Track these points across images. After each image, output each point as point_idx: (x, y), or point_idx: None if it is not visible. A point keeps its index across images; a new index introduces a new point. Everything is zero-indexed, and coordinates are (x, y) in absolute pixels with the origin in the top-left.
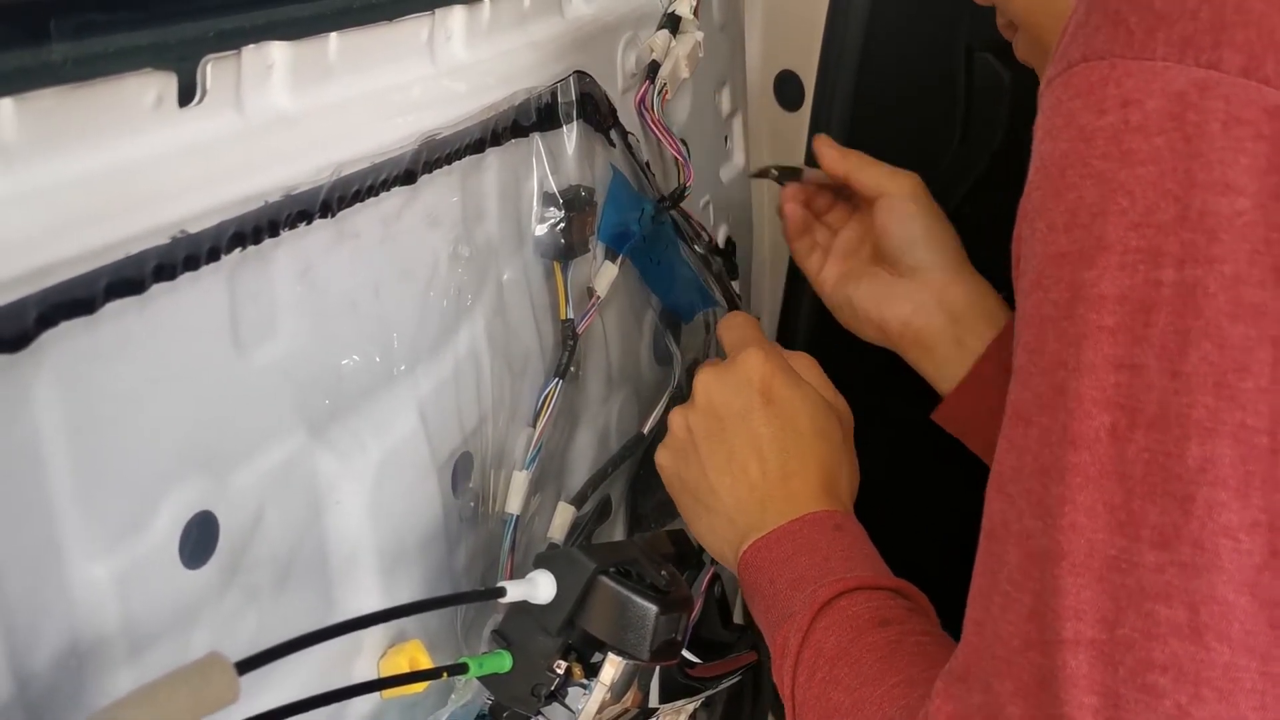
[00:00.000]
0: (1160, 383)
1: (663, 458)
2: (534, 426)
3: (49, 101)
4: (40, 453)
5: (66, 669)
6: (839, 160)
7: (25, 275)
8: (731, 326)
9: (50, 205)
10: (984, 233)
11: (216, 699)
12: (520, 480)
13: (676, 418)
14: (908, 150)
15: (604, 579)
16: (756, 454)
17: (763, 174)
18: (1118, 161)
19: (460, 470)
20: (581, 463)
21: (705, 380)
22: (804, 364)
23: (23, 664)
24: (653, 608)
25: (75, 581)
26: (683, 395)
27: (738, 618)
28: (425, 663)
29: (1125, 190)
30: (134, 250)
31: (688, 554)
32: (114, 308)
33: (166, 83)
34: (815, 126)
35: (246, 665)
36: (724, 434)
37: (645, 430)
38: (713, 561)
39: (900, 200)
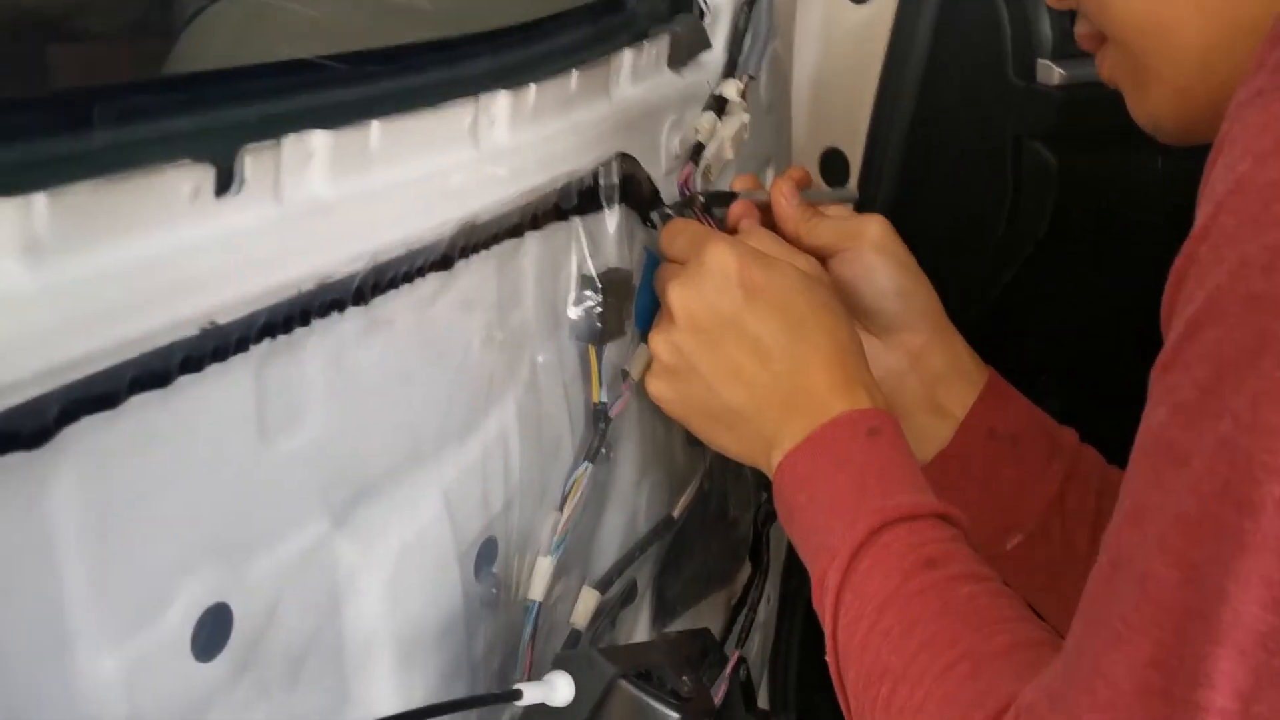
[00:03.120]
0: None
1: (657, 388)
2: (561, 511)
3: (83, 195)
4: (53, 546)
5: None
6: (790, 218)
7: (49, 371)
8: (679, 232)
9: (78, 299)
10: (1029, 317)
11: None
12: (545, 566)
13: (659, 343)
14: (953, 232)
15: (624, 683)
16: (760, 355)
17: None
18: None
19: (483, 555)
20: (609, 546)
21: (678, 293)
22: (762, 239)
23: None
24: (674, 715)
25: (82, 674)
26: (713, 479)
27: (763, 702)
28: None
29: None
30: (161, 343)
31: (712, 651)
32: (138, 401)
33: (204, 174)
34: (859, 205)
35: None
36: (719, 343)
37: (675, 514)
38: (739, 644)
39: (865, 253)
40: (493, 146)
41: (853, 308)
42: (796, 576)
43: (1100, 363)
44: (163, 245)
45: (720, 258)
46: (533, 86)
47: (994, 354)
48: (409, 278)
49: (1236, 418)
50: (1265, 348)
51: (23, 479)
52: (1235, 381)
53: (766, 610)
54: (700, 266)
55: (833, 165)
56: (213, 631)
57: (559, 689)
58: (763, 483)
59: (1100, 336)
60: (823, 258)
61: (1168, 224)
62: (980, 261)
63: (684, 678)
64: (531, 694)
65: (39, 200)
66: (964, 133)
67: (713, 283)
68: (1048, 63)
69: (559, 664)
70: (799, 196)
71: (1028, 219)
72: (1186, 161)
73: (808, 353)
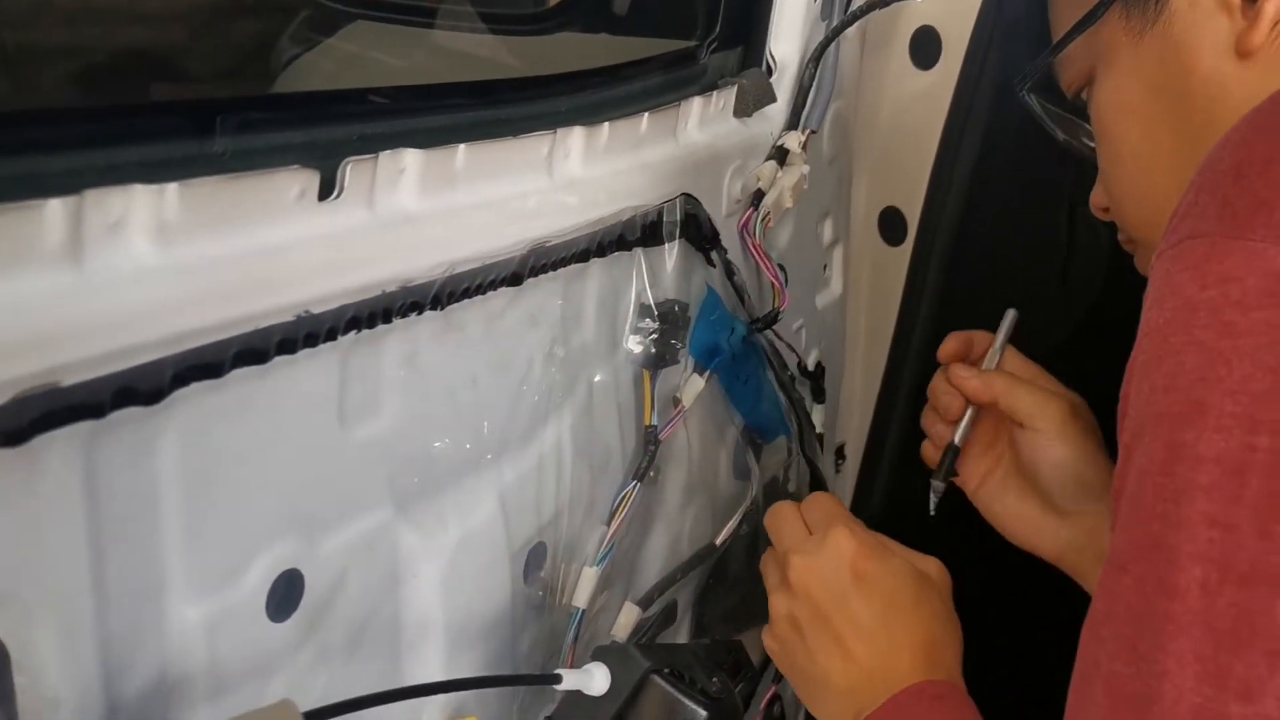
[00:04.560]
0: (1252, 542)
1: (772, 643)
2: (608, 525)
3: (207, 189)
4: (157, 498)
5: (154, 700)
6: (984, 389)
7: (168, 338)
8: (815, 506)
9: (197, 278)
10: (1075, 383)
11: None
12: (590, 576)
13: (779, 603)
14: (1005, 294)
15: (656, 678)
16: (860, 634)
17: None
18: (1218, 332)
19: (533, 559)
20: (652, 565)
21: (798, 566)
22: (883, 537)
23: (115, 690)
24: (701, 712)
25: (171, 620)
26: (758, 511)
27: None
28: None
29: (1224, 359)
30: (263, 325)
31: (745, 665)
32: (239, 374)
33: (310, 179)
34: (916, 262)
35: (315, 715)
36: (826, 619)
37: (718, 542)
38: (776, 680)
39: (1049, 439)
40: (566, 177)
41: (1036, 482)
42: None
43: None
44: (270, 239)
45: (839, 540)
46: (606, 125)
47: None
48: (482, 289)
49: (1162, 517)
50: (1177, 456)
51: (137, 433)
52: (1156, 488)
53: None
54: (822, 543)
55: (891, 223)
56: (286, 594)
57: (596, 678)
58: None
59: None
60: (1017, 422)
61: None
62: (1030, 325)
63: (714, 679)
64: (570, 680)
65: (171, 190)
66: (1019, 198)
67: (828, 562)
68: None
69: (598, 655)
70: (982, 375)
71: (1079, 285)
72: None
73: (901, 639)
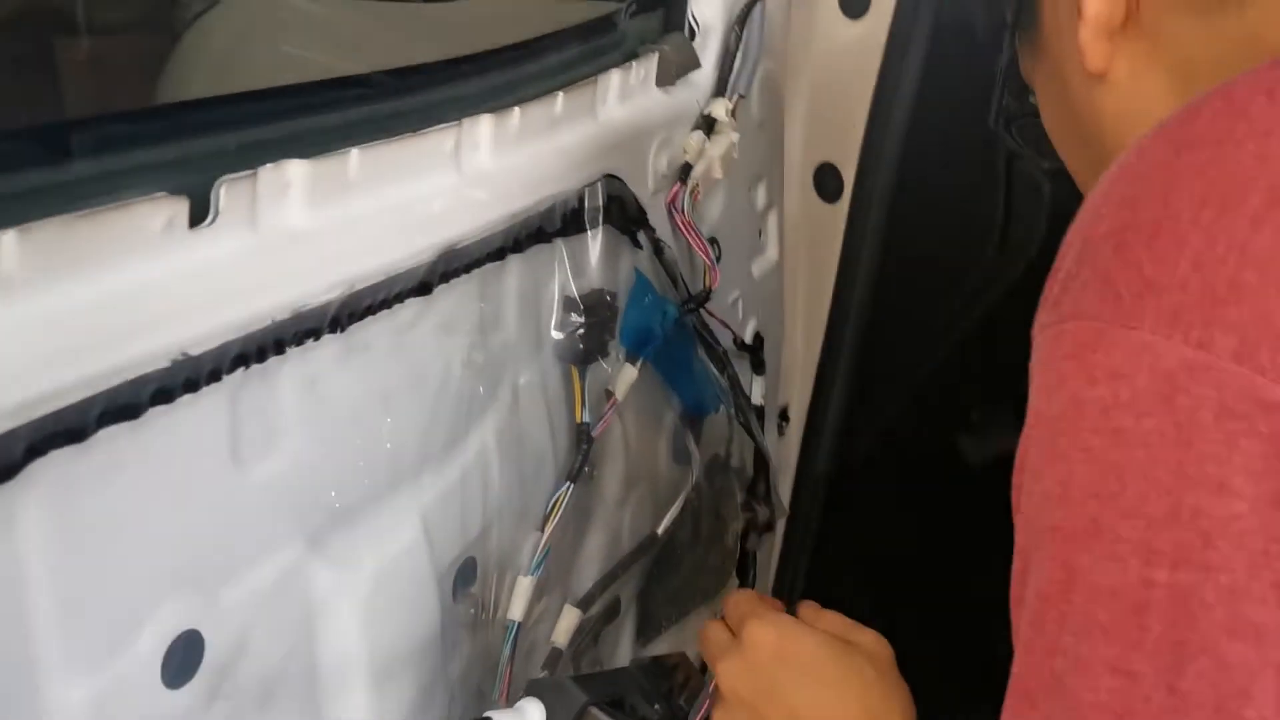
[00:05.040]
0: (1158, 697)
1: None
2: (542, 531)
3: (53, 230)
4: (21, 577)
5: None
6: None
7: (18, 406)
8: (731, 608)
9: (49, 334)
10: (1015, 340)
11: None
12: (525, 586)
13: (718, 717)
14: (944, 251)
15: (595, 710)
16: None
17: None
18: (1109, 439)
19: (461, 576)
20: (591, 564)
21: (724, 673)
22: (811, 612)
23: None
24: None
25: (50, 705)
26: (700, 496)
27: None
28: None
29: (1116, 473)
30: (131, 376)
31: (690, 677)
32: (106, 434)
33: (178, 206)
34: (853, 218)
35: None
36: (762, 715)
37: (659, 531)
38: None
39: None
40: (476, 171)
41: None
42: (784, 592)
43: None
44: (135, 279)
45: (755, 633)
46: (517, 110)
47: (985, 373)
48: (387, 304)
49: (1063, 652)
50: (1074, 582)
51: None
52: (1057, 617)
53: None
54: (741, 643)
55: (826, 179)
56: (184, 658)
57: (530, 716)
58: (749, 498)
59: None
60: None
61: None
62: (971, 282)
63: (655, 706)
64: None
65: (8, 238)
66: (957, 151)
67: (749, 659)
68: None
69: (531, 690)
70: None
71: (1019, 240)
72: None
73: (837, 715)
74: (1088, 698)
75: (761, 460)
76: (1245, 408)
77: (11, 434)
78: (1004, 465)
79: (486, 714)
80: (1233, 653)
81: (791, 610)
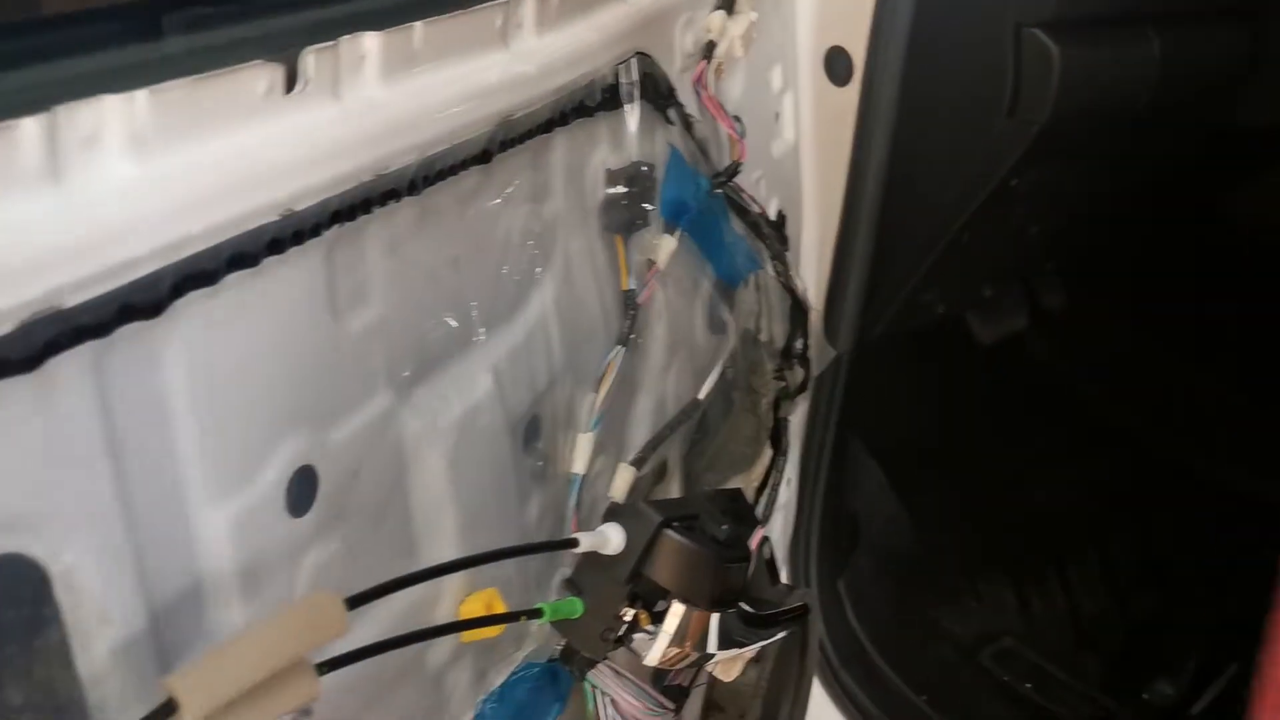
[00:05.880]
0: None
1: None
2: (597, 391)
3: (178, 92)
4: (168, 406)
5: (191, 604)
6: None
7: (158, 250)
8: None
9: (179, 187)
10: (1032, 210)
11: (328, 631)
12: (585, 442)
13: None
14: (955, 123)
15: (669, 531)
16: None
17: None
18: None
19: (530, 431)
20: (640, 427)
21: None
22: None
23: (154, 599)
24: (714, 558)
25: (197, 525)
26: (735, 364)
27: (785, 578)
28: (501, 608)
29: None
30: (250, 227)
31: (744, 512)
32: (233, 279)
33: (275, 73)
34: (865, 101)
35: (355, 601)
36: None
37: (700, 396)
38: (763, 522)
39: None
40: (522, 48)
41: None
42: (814, 460)
43: (1102, 256)
44: (244, 139)
45: None
46: None
47: (997, 248)
48: (454, 170)
49: None
50: None
51: (142, 346)
52: None
53: (787, 492)
54: None
55: (837, 63)
56: (302, 490)
57: (611, 538)
58: (783, 361)
59: (1101, 228)
60: None
61: (1167, 113)
62: (983, 151)
63: (723, 526)
64: (586, 542)
65: (140, 96)
66: (965, 23)
67: None
68: None
69: (609, 515)
70: None
71: (1029, 107)
72: (1183, 48)
73: None
74: None
75: (799, 315)
76: None
77: (158, 274)
78: (1013, 343)
79: (573, 535)
80: None
81: None
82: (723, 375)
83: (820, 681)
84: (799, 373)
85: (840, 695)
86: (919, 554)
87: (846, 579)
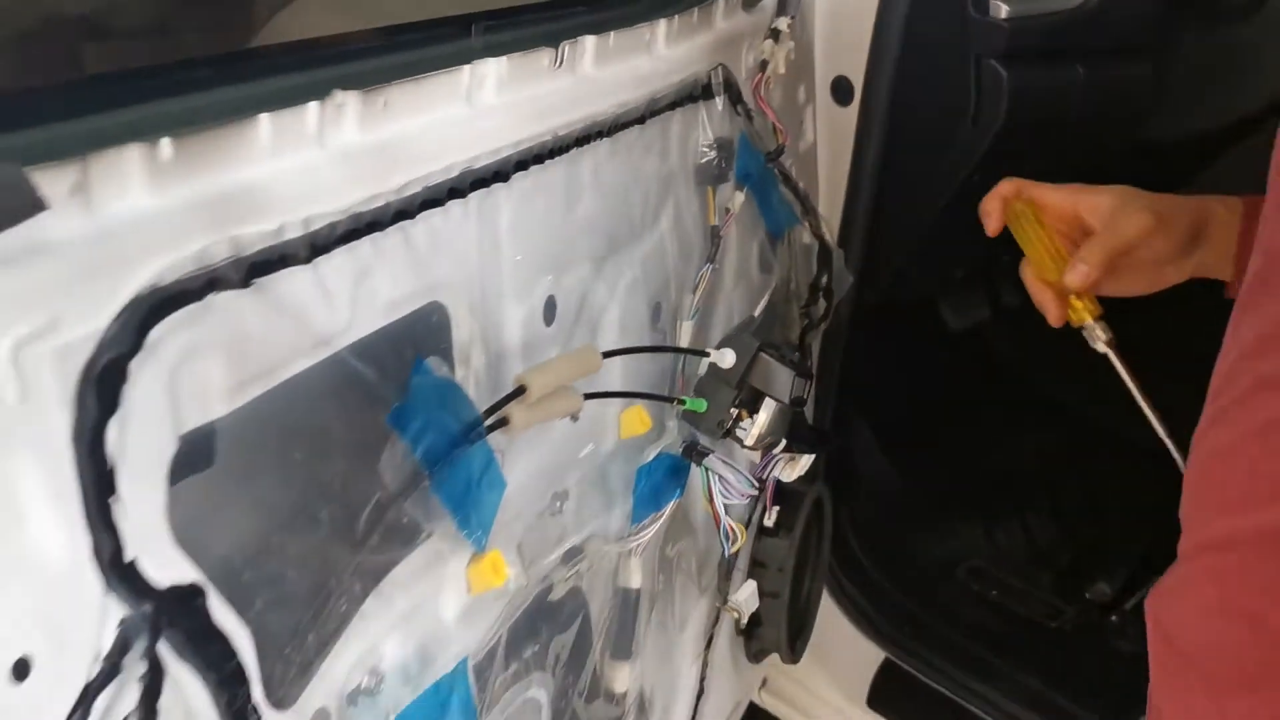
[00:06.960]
0: None
1: None
2: (694, 294)
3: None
4: (499, 240)
5: (503, 357)
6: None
7: (502, 150)
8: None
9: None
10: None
11: (591, 366)
12: (687, 327)
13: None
14: (932, 133)
15: (763, 353)
16: None
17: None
18: None
19: (654, 313)
20: (718, 326)
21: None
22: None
23: (489, 345)
24: (792, 372)
25: (505, 315)
26: (778, 296)
27: None
28: (648, 419)
29: None
30: (531, 145)
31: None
32: (530, 171)
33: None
34: (863, 118)
35: (606, 355)
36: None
37: (756, 314)
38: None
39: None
40: (658, 54)
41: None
42: (823, 423)
43: None
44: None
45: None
46: (676, 19)
47: (964, 235)
48: (627, 125)
49: None
50: None
51: (492, 202)
52: None
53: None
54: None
55: (841, 89)
56: (549, 310)
57: (727, 357)
58: (810, 294)
59: None
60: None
61: (1090, 123)
62: (951, 155)
63: (795, 354)
64: (714, 356)
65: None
66: (938, 55)
67: None
68: (998, 1)
69: (725, 343)
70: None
71: (986, 119)
72: (1099, 75)
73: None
74: None
75: (825, 254)
76: None
77: (503, 161)
78: (977, 331)
79: (707, 349)
80: None
81: None
82: (771, 302)
83: (828, 591)
84: (821, 305)
85: (844, 599)
86: (903, 498)
87: (848, 511)
